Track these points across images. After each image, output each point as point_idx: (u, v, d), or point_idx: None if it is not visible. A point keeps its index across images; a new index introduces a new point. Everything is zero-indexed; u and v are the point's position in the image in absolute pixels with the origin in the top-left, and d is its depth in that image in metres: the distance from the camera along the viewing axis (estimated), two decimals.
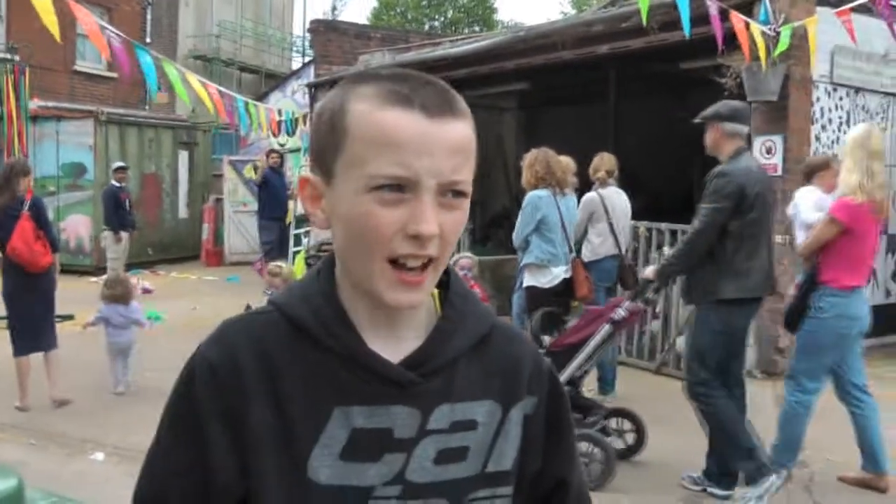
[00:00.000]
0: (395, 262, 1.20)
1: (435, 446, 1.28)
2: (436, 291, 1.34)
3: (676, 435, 7.08)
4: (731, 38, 8.53)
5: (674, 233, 9.07)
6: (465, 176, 1.22)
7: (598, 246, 8.11)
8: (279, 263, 5.86)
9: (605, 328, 6.00)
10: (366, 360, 1.25)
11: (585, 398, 6.26)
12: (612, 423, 6.56)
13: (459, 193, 1.22)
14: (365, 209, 1.19)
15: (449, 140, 1.20)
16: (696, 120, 5.84)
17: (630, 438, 6.58)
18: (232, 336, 1.29)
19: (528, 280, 7.49)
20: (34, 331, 7.81)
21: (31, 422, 7.34)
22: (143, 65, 8.11)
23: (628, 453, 6.49)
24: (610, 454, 5.86)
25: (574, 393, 6.20)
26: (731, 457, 5.63)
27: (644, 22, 8.29)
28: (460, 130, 1.22)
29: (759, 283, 5.52)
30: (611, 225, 8.08)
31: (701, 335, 5.67)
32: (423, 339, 1.29)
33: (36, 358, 7.99)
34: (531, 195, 7.45)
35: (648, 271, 6.06)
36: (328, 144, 1.23)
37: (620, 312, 6.00)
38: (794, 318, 5.86)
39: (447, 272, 1.35)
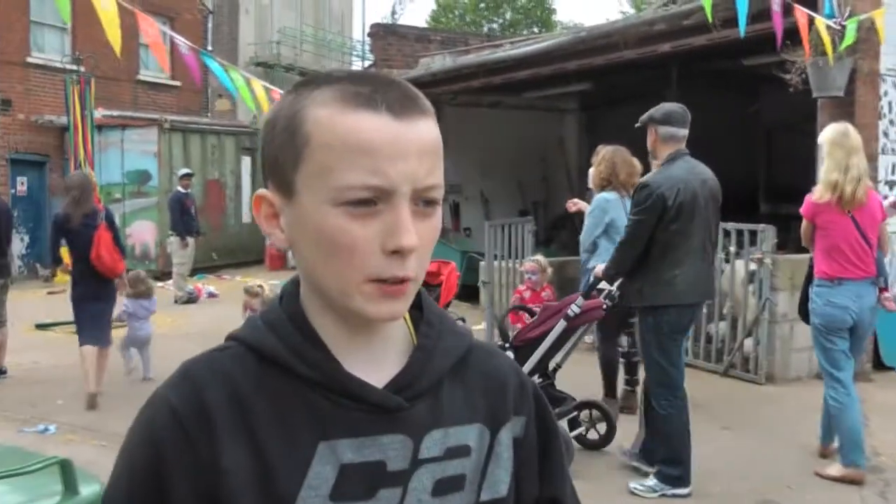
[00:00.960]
0: (374, 281, 1.09)
1: (431, 476, 1.16)
2: (407, 314, 1.22)
3: (746, 439, 6.96)
4: (795, 33, 8.37)
5: (739, 232, 8.91)
6: (439, 179, 1.12)
7: None
8: (259, 283, 5.59)
9: (561, 323, 6.13)
10: (347, 385, 1.12)
11: (558, 391, 6.22)
12: (584, 414, 6.70)
13: (432, 201, 1.11)
14: (335, 225, 1.07)
15: (420, 140, 1.09)
16: (637, 125, 5.98)
17: (602, 429, 6.71)
18: (195, 375, 1.14)
19: (597, 283, 7.36)
20: (97, 328, 8.37)
21: (100, 423, 7.43)
22: (213, 70, 8.19)
23: (600, 444, 6.67)
24: (569, 443, 6.01)
25: (547, 384, 6.21)
26: (661, 456, 5.81)
27: (708, 18, 8.15)
28: (429, 130, 1.12)
29: (687, 290, 5.62)
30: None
31: (644, 339, 5.87)
32: (403, 361, 1.18)
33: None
34: (599, 198, 7.31)
35: (597, 270, 6.29)
36: (286, 156, 1.10)
37: (574, 309, 6.15)
38: (803, 309, 6.26)
39: (418, 293, 1.24)
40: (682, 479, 5.69)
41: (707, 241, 5.78)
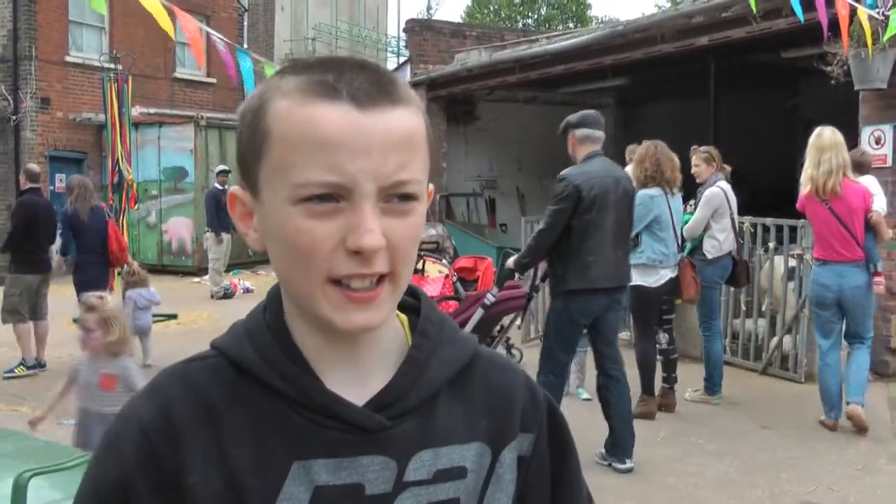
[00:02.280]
0: (338, 283, 1.01)
1: (417, 501, 1.07)
2: (405, 319, 1.16)
3: (786, 438, 6.86)
4: (836, 24, 8.23)
5: (779, 228, 8.78)
6: (413, 174, 1.01)
7: (723, 242, 7.78)
8: (99, 294, 5.50)
9: (479, 311, 6.65)
10: (323, 402, 1.04)
11: None
12: None
13: (408, 196, 1.02)
14: (294, 224, 0.99)
15: (387, 133, 0.99)
16: (558, 133, 6.36)
17: None
18: (165, 388, 1.08)
19: (637, 279, 7.21)
20: None
21: None
22: (241, 69, 8.20)
23: None
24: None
25: None
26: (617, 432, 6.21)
27: (753, 8, 8.03)
28: (402, 120, 1.01)
29: (601, 275, 6.00)
30: (732, 220, 7.79)
31: (549, 320, 6.30)
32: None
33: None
34: (643, 194, 7.17)
35: (510, 261, 6.54)
36: (250, 151, 1.04)
37: (490, 297, 6.72)
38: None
39: (416, 295, 1.18)
40: (626, 451, 6.17)
41: (620, 233, 6.15)
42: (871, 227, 6.85)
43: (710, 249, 7.68)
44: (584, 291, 6.01)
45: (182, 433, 1.03)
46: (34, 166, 10.11)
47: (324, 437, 1.04)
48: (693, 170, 7.86)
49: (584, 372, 7.87)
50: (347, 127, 0.98)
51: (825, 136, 6.81)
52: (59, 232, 9.91)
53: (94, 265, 9.28)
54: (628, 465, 6.14)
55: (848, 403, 6.88)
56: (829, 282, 6.84)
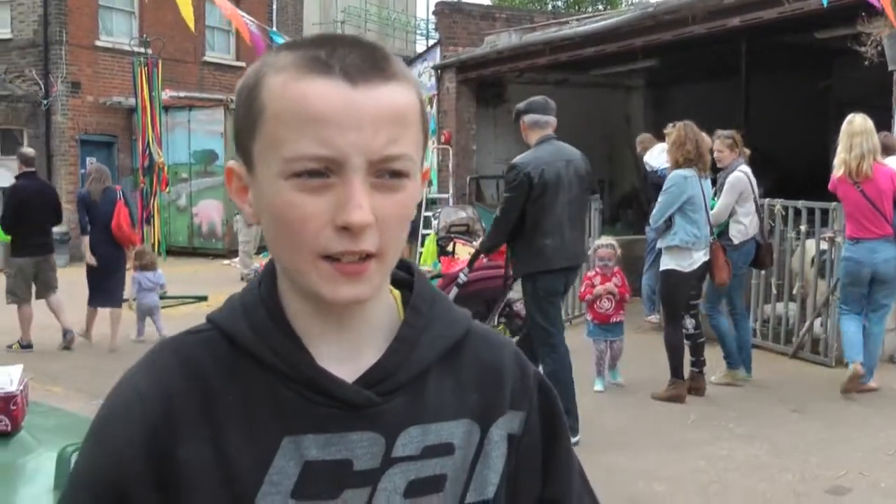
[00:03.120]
0: (329, 258, 1.01)
1: (404, 477, 1.08)
2: (398, 294, 1.16)
3: (816, 421, 6.83)
4: (870, 4, 8.14)
5: (811, 210, 8.70)
6: (404, 149, 1.02)
7: (749, 227, 7.74)
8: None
9: (454, 290, 7.03)
10: (313, 378, 1.05)
11: None
12: None
13: (399, 173, 1.02)
14: (286, 199, 1.00)
15: (378, 108, 0.99)
16: (512, 120, 6.65)
17: None
18: (162, 360, 1.09)
19: (669, 263, 7.16)
20: (109, 291, 9.86)
21: None
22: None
23: None
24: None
25: None
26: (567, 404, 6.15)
27: None
28: (394, 95, 1.01)
29: (556, 257, 6.20)
30: (756, 204, 7.75)
31: (528, 302, 6.44)
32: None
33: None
34: (676, 174, 7.11)
35: (478, 244, 6.95)
36: (245, 126, 1.05)
37: (462, 277, 7.18)
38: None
39: (410, 271, 1.19)
40: (573, 429, 6.08)
41: (574, 213, 6.33)
42: None
43: (737, 234, 7.65)
44: (543, 272, 6.22)
45: (175, 406, 1.05)
46: (29, 150, 10.46)
47: (314, 413, 1.05)
48: (716, 154, 7.76)
49: (604, 362, 7.81)
50: (338, 101, 0.98)
51: (856, 122, 7.18)
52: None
53: (104, 244, 9.72)
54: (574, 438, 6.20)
55: (862, 382, 7.37)
56: (862, 258, 7.26)
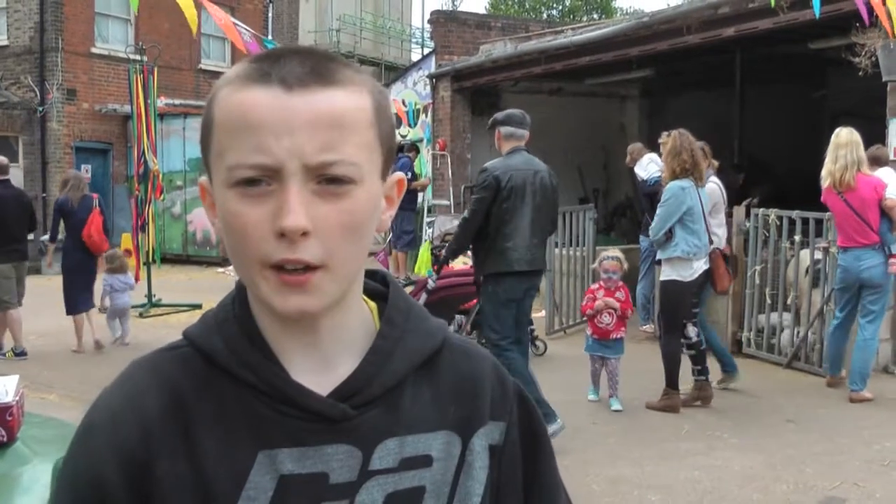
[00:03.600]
0: (274, 268, 1.00)
1: (382, 490, 1.07)
2: (374, 306, 1.16)
3: (811, 432, 6.83)
4: (866, 15, 8.17)
5: (805, 220, 8.71)
6: (343, 155, 0.99)
7: (722, 237, 7.86)
8: None
9: (423, 296, 7.32)
10: (286, 391, 1.05)
11: None
12: None
13: (338, 179, 1.00)
14: (230, 208, 1.00)
15: (313, 113, 0.98)
16: (487, 128, 6.96)
17: None
18: (136, 378, 1.09)
19: (671, 274, 7.14)
20: (85, 295, 10.10)
21: None
22: None
23: None
24: None
25: None
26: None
27: (772, 2, 8.00)
28: (332, 100, 1.00)
29: (517, 259, 6.40)
30: (726, 215, 7.89)
31: (485, 302, 6.63)
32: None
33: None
34: (674, 185, 7.10)
35: (446, 249, 7.17)
36: (203, 139, 1.06)
37: (430, 283, 7.49)
38: None
39: (386, 282, 1.18)
40: (549, 416, 6.14)
41: (537, 221, 6.51)
42: (885, 214, 7.44)
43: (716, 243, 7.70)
44: (504, 274, 6.42)
45: (152, 423, 1.04)
46: (1, 158, 10.39)
47: (289, 427, 1.04)
48: None
49: (598, 377, 7.67)
50: (273, 108, 0.98)
51: (842, 135, 7.48)
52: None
53: (81, 250, 9.97)
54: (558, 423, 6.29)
55: (852, 391, 7.62)
56: (849, 266, 7.55)
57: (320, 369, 1.08)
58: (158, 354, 1.12)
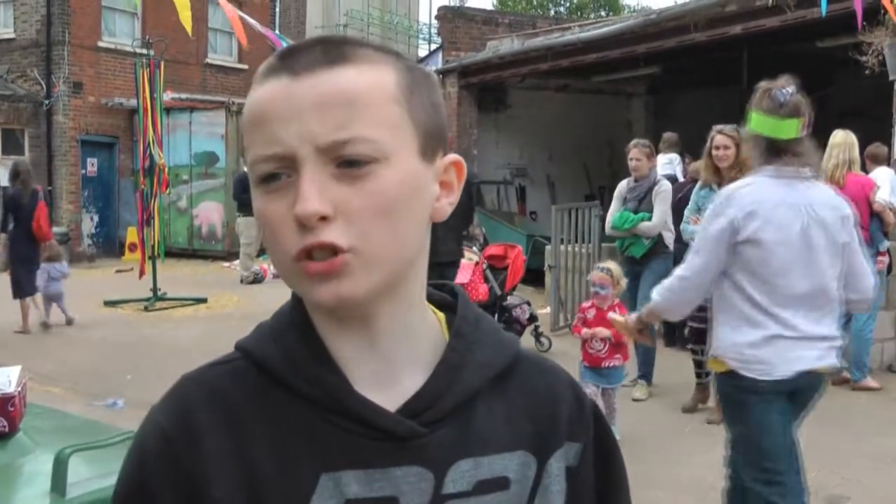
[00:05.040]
0: (301, 259, 0.95)
1: None
2: (442, 316, 1.09)
3: (810, 430, 6.78)
4: (871, 14, 8.16)
5: None
6: (358, 131, 0.94)
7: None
8: None
9: None
10: (351, 406, 0.98)
11: None
12: None
13: (357, 160, 0.94)
14: (258, 206, 0.97)
15: (319, 93, 0.94)
16: None
17: None
18: (187, 394, 1.02)
19: None
20: (30, 281, 10.71)
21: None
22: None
23: None
24: None
25: None
26: None
27: None
28: (339, 78, 0.95)
29: (436, 251, 6.93)
30: None
31: None
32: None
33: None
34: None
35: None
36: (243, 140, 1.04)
37: None
38: None
39: (454, 293, 1.12)
40: None
41: (458, 218, 6.73)
42: (875, 214, 7.74)
43: (671, 242, 7.65)
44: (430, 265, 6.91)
45: (203, 442, 0.98)
46: None
47: (353, 446, 0.98)
48: (633, 164, 7.72)
49: (614, 412, 6.60)
50: (278, 96, 0.95)
51: (838, 135, 7.76)
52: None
53: (26, 241, 10.64)
54: None
55: (853, 381, 7.86)
56: None
57: (384, 381, 1.01)
58: (210, 368, 1.06)
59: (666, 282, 3.92)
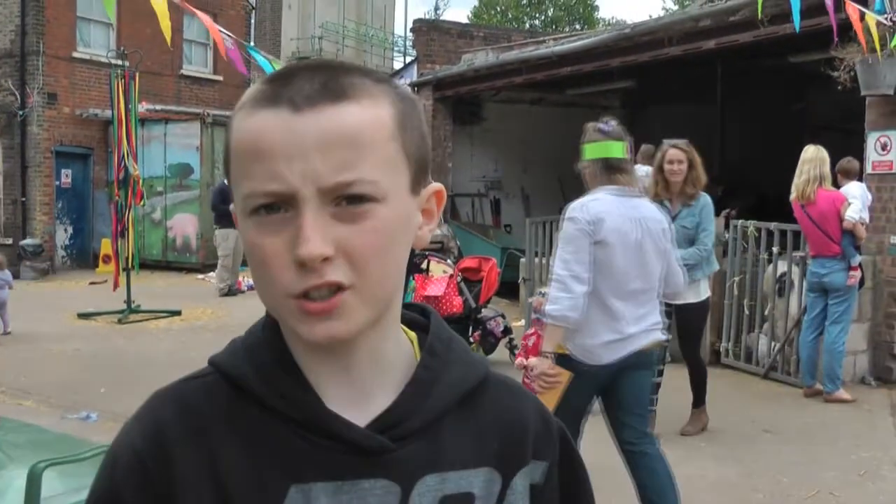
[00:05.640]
0: (297, 297, 0.96)
1: None
2: (413, 336, 1.11)
3: (788, 443, 6.86)
4: (844, 30, 8.25)
5: (783, 233, 8.78)
6: (361, 173, 0.94)
7: None
8: None
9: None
10: (322, 421, 1.00)
11: None
12: None
13: (358, 198, 0.95)
14: (249, 238, 0.97)
15: (323, 132, 0.93)
16: None
17: None
18: (159, 410, 1.03)
19: (707, 291, 6.84)
20: None
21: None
22: (259, 63, 8.40)
23: None
24: None
25: None
26: None
27: (759, 13, 8.07)
28: (343, 116, 0.94)
29: None
30: None
31: None
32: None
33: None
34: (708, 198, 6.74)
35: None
36: (224, 165, 1.03)
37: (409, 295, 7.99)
38: None
39: (426, 313, 1.14)
40: None
41: None
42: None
43: None
44: None
45: (174, 458, 0.99)
46: None
47: (323, 459, 1.00)
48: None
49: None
50: (281, 131, 0.94)
51: (809, 151, 7.87)
52: None
53: None
54: None
55: (826, 392, 7.90)
56: (816, 271, 7.93)
57: (356, 400, 1.03)
58: (182, 384, 1.06)
59: (551, 294, 4.43)
